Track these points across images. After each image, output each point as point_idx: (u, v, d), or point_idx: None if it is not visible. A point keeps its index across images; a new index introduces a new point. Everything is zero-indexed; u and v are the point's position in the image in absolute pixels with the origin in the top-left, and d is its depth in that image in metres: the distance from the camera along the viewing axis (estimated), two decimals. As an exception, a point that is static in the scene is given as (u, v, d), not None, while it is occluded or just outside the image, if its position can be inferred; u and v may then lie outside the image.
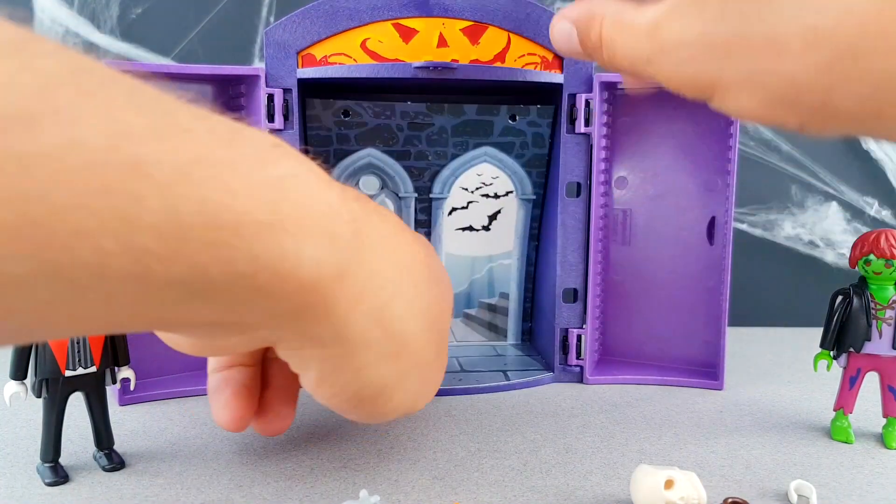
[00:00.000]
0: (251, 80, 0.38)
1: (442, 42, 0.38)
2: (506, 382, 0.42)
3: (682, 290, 0.44)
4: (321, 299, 0.20)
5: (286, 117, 0.39)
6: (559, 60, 0.40)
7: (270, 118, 0.38)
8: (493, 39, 0.39)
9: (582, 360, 0.43)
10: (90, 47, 0.55)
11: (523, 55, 0.40)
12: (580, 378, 0.43)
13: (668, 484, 0.25)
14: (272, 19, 0.56)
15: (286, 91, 0.38)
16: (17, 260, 0.14)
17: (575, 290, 0.43)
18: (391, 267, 0.24)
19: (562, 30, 0.31)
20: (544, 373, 0.43)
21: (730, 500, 0.27)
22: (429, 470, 0.31)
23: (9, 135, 0.13)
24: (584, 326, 0.43)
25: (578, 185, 0.42)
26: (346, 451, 0.33)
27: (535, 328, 0.49)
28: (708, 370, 0.43)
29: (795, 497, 0.28)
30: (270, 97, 0.38)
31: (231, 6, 0.56)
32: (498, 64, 0.39)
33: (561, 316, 0.43)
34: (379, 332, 0.23)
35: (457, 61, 0.38)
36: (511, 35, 0.39)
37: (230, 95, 0.40)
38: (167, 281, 0.16)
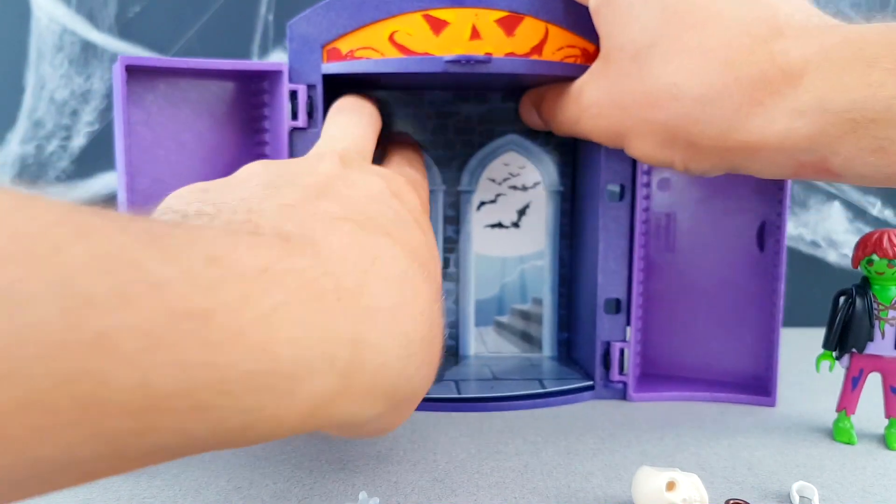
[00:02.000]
0: (274, 76, 0.35)
1: (475, 34, 0.36)
2: (541, 391, 0.39)
3: (729, 300, 0.41)
4: (320, 420, 0.18)
5: (310, 115, 0.36)
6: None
7: (294, 116, 0.35)
8: (530, 31, 0.36)
9: (625, 375, 0.40)
10: (88, 46, 0.52)
11: (562, 47, 0.37)
12: (623, 395, 0.40)
13: (670, 486, 0.25)
14: (271, 17, 0.54)
15: (310, 87, 0.36)
16: None
17: (618, 301, 0.40)
18: (395, 344, 0.20)
19: (525, 109, 0.40)
20: (584, 388, 0.40)
21: (732, 502, 0.26)
22: (429, 472, 0.30)
23: None
24: (627, 339, 0.40)
25: (622, 186, 0.40)
26: (345, 453, 0.32)
27: (573, 339, 0.46)
28: (758, 385, 0.40)
29: (798, 499, 0.27)
30: (293, 94, 0.35)
31: (229, 2, 0.54)
32: (535, 57, 0.37)
33: (602, 328, 0.40)
34: (381, 406, 0.20)
35: (490, 54, 0.36)
36: (549, 26, 0.37)
37: (251, 92, 0.37)
38: (147, 451, 0.14)
